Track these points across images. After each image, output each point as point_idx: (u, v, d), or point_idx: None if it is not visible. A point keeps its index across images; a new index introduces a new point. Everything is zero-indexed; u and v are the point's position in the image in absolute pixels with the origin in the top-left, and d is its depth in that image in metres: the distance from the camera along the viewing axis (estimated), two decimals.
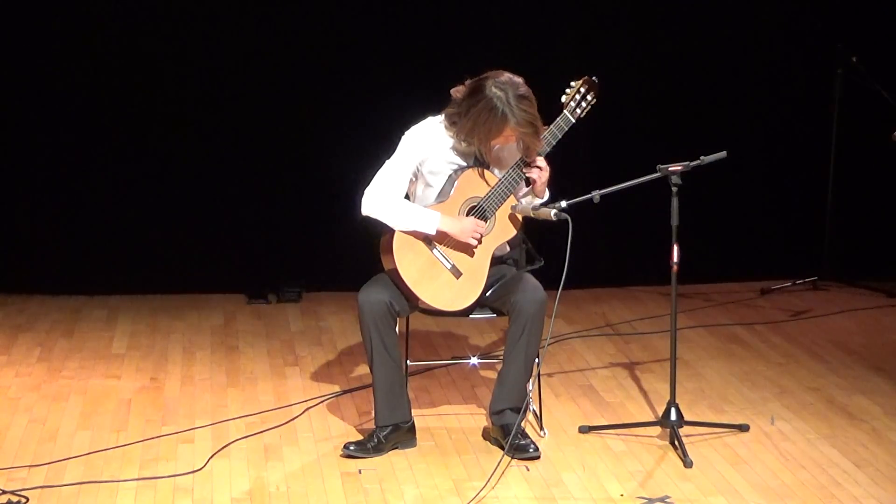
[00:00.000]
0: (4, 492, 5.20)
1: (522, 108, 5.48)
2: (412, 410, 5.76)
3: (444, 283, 5.60)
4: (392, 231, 5.58)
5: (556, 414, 6.14)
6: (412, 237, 5.59)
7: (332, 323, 7.58)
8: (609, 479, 5.42)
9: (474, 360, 6.51)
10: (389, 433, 5.66)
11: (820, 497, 5.26)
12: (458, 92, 5.61)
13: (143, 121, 7.96)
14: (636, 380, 6.62)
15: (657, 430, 5.87)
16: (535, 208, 5.57)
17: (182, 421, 6.03)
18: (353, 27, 7.98)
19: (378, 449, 5.63)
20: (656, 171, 5.63)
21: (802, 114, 8.42)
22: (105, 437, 5.83)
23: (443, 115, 5.65)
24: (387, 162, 5.63)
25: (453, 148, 5.64)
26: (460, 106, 5.55)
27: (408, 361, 5.83)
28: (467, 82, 5.59)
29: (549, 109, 5.69)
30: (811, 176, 8.41)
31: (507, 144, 5.66)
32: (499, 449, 5.65)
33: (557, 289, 5.44)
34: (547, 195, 5.72)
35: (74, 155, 7.95)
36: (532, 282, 5.66)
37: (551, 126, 5.66)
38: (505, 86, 5.49)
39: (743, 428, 5.90)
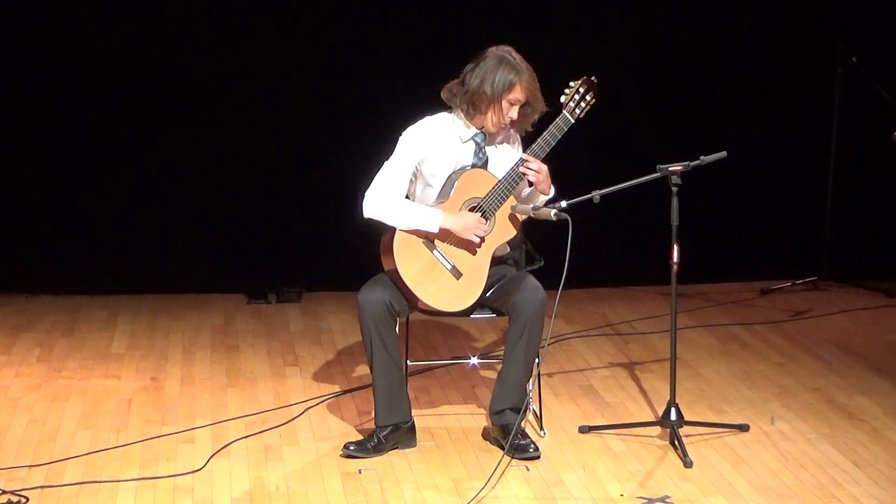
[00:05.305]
0: (4, 492, 5.20)
1: (528, 70, 5.58)
2: (412, 410, 5.76)
3: (445, 283, 5.59)
4: (392, 231, 5.57)
5: (556, 414, 6.14)
6: (413, 238, 5.58)
7: (332, 323, 7.58)
8: (609, 479, 5.42)
9: (474, 360, 6.51)
10: (389, 433, 5.66)
11: (820, 497, 5.26)
12: (449, 90, 5.64)
13: (143, 121, 7.95)
14: (636, 380, 6.62)
15: (657, 430, 5.87)
16: (535, 208, 5.57)
17: (182, 421, 6.03)
18: (353, 28, 7.98)
19: (378, 449, 5.63)
20: (656, 171, 5.63)
21: (802, 114, 8.42)
22: (105, 437, 5.83)
23: (439, 115, 5.67)
24: (385, 163, 5.63)
25: (452, 143, 5.65)
26: (465, 73, 5.60)
27: (408, 361, 5.83)
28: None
29: (549, 109, 5.68)
30: (811, 176, 8.41)
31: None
32: (499, 449, 5.65)
33: (557, 289, 5.44)
34: (552, 191, 5.72)
35: (74, 155, 7.94)
36: (532, 282, 5.65)
37: (550, 126, 5.65)
38: (510, 51, 5.61)
39: (743, 428, 5.90)
